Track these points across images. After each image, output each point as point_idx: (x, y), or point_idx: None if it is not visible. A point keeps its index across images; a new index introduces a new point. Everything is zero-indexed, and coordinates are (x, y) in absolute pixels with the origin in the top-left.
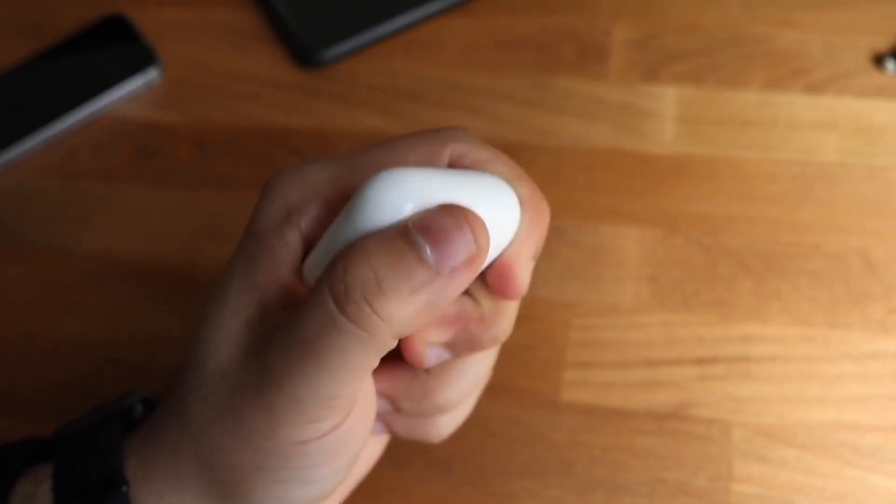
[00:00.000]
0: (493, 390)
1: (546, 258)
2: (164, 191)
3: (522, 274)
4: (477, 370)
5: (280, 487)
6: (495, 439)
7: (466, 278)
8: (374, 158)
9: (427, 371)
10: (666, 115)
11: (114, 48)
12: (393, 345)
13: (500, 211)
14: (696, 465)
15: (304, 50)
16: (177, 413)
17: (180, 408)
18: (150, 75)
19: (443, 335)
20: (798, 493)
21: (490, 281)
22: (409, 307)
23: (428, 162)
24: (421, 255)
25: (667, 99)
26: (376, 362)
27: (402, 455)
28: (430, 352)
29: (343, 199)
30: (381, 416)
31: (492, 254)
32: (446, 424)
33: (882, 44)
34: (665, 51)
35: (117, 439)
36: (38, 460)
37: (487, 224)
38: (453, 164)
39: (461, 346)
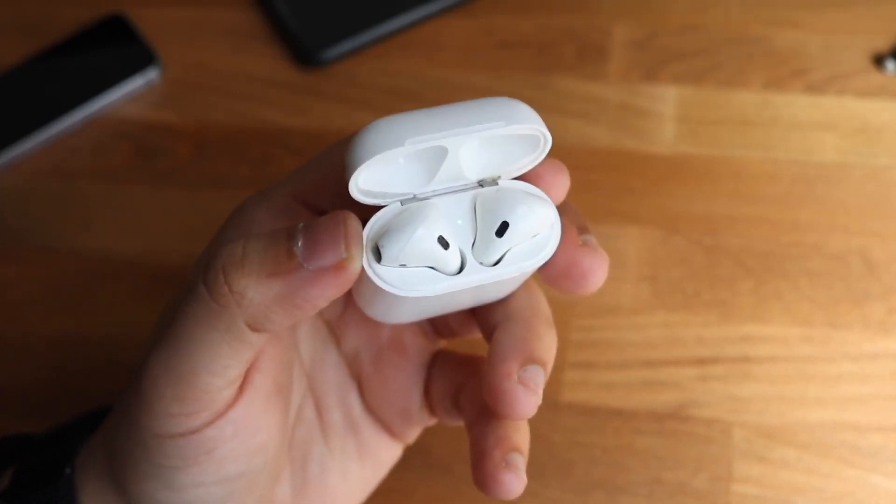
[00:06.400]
0: None
1: None
2: (163, 191)
3: (508, 385)
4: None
5: (145, 484)
6: None
7: (335, 284)
8: (324, 157)
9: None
10: (666, 115)
11: (114, 48)
12: (249, 337)
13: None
14: (696, 466)
15: (304, 50)
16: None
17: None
18: (150, 75)
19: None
20: (798, 494)
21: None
22: (263, 290)
23: None
24: (290, 246)
25: (667, 99)
26: (234, 357)
27: (403, 456)
28: (507, 477)
29: (298, 203)
30: None
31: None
32: None
33: (882, 44)
34: (665, 51)
35: (80, 432)
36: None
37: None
38: None
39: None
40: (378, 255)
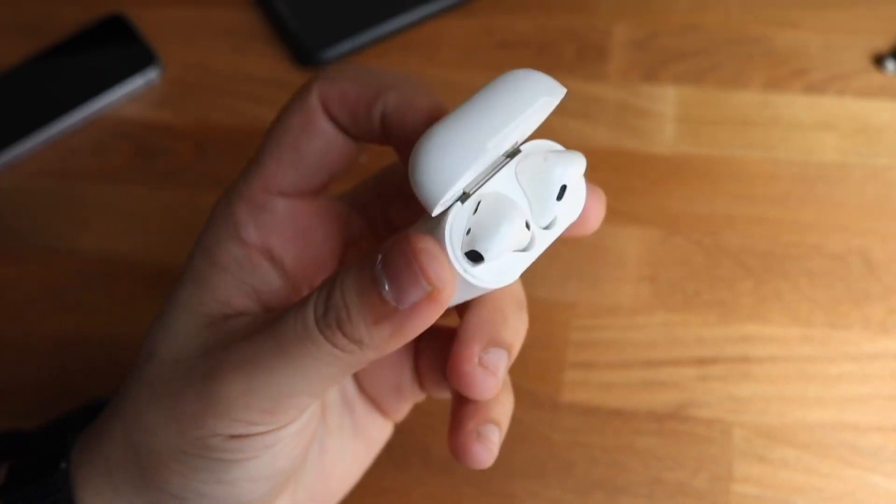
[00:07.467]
0: None
1: (546, 258)
2: (164, 191)
3: (468, 368)
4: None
5: (193, 477)
6: None
7: (435, 309)
8: (269, 141)
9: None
10: (666, 115)
11: (114, 48)
12: (366, 363)
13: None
14: (696, 466)
15: (304, 50)
16: (117, 398)
17: (120, 392)
18: (150, 75)
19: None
20: (798, 494)
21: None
22: (376, 334)
23: (304, 125)
24: (380, 291)
25: (667, 99)
26: (343, 378)
27: (402, 455)
28: (476, 447)
29: (270, 194)
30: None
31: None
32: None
33: (882, 44)
34: (665, 51)
35: (75, 427)
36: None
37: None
38: (334, 115)
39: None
40: (473, 259)
